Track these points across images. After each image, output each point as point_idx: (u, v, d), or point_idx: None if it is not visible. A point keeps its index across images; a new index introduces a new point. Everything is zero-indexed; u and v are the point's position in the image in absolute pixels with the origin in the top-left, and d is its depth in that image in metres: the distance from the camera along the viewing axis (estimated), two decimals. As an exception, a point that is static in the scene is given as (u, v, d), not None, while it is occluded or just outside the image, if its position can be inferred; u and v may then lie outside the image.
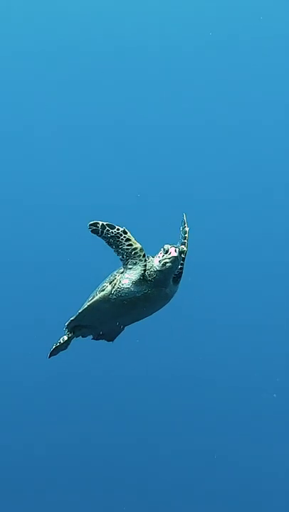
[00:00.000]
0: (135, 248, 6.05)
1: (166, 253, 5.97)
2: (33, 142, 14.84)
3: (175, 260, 5.96)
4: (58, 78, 15.06)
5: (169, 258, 5.94)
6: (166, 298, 6.31)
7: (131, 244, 6.04)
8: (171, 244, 5.98)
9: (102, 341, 7.05)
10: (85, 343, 7.03)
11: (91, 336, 6.99)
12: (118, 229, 6.00)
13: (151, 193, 14.27)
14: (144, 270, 6.06)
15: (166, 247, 6.00)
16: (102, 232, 5.97)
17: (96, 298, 6.26)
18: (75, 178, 14.75)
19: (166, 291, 6.22)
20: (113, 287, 6.16)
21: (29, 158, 14.81)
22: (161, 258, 6.00)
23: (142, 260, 6.06)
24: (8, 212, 14.32)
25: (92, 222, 5.97)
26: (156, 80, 15.20)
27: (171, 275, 6.15)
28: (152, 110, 15.21)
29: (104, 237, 6.01)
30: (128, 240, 6.02)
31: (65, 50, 15.17)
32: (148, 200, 13.96)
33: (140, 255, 6.06)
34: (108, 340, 7.09)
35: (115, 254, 6.16)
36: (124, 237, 6.01)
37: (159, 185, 14.63)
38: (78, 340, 6.95)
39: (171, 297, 6.39)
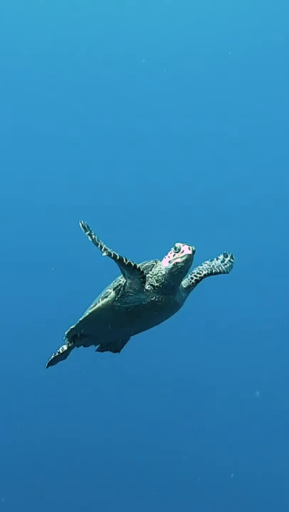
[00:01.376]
0: (132, 270, 5.50)
1: (177, 252, 5.46)
2: (33, 144, 14.86)
3: (188, 260, 5.43)
4: (60, 81, 15.18)
5: (181, 257, 5.42)
6: (175, 306, 5.78)
7: (127, 268, 5.49)
8: (183, 242, 5.47)
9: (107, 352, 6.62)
10: (85, 352, 6.57)
11: (93, 346, 6.50)
12: (101, 247, 5.40)
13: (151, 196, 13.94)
14: (144, 279, 5.54)
15: (177, 245, 5.48)
16: (91, 237, 5.38)
17: (98, 305, 5.73)
18: (74, 181, 14.63)
19: (176, 298, 5.70)
20: (117, 294, 5.65)
21: (29, 160, 14.77)
22: (171, 258, 5.49)
23: (137, 276, 5.52)
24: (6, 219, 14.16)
25: (83, 223, 5.39)
26: (155, 86, 15.28)
27: (182, 278, 5.61)
28: (152, 116, 15.23)
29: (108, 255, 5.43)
30: (128, 265, 5.46)
31: (67, 55, 15.24)
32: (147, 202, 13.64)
33: (136, 272, 5.49)
34: (114, 352, 6.60)
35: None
36: (110, 254, 5.42)
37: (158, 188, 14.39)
38: (79, 349, 6.47)
39: (181, 306, 5.85)
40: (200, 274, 5.96)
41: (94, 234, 5.38)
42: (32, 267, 13.95)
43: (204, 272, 6.01)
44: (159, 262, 5.63)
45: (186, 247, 5.45)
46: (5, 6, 15.10)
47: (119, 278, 5.75)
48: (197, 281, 5.95)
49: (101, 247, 5.37)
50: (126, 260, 5.40)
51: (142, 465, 13.04)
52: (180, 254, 5.44)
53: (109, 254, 5.37)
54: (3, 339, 13.18)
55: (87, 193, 14.17)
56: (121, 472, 12.93)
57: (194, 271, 6.01)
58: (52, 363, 6.40)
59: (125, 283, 5.64)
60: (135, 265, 5.47)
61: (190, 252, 5.43)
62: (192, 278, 5.94)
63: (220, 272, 6.16)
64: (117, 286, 5.68)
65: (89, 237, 5.36)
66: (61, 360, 6.43)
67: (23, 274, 13.85)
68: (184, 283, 5.87)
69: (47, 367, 6.41)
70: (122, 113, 15.17)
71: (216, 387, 13.50)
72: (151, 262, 5.67)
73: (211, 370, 13.47)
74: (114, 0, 15.27)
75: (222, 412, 13.37)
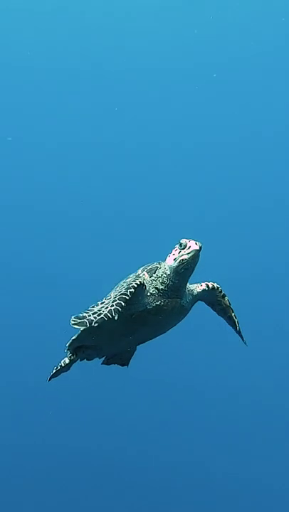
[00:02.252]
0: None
1: (183, 248, 5.15)
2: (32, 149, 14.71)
3: (195, 256, 5.13)
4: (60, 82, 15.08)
5: (187, 253, 5.12)
6: (182, 311, 5.44)
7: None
8: (189, 238, 5.16)
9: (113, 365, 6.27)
10: (90, 365, 6.20)
11: (97, 359, 6.10)
12: (110, 313, 5.08)
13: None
14: (143, 286, 5.24)
15: (183, 241, 5.17)
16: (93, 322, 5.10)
17: (101, 316, 5.31)
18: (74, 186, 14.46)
19: (182, 302, 5.36)
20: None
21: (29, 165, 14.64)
22: (177, 255, 5.18)
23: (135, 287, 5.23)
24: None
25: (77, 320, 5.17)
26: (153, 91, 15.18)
27: (188, 277, 5.29)
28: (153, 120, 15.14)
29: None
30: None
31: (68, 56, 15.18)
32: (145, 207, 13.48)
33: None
34: (121, 365, 6.24)
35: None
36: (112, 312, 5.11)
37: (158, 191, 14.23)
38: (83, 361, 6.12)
39: (188, 310, 5.52)
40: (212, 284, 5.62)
41: (90, 317, 5.09)
42: (31, 276, 13.75)
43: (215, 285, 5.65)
44: (163, 263, 5.32)
45: (193, 242, 5.15)
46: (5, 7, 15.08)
47: (122, 282, 5.43)
48: (208, 287, 5.58)
49: (107, 314, 5.08)
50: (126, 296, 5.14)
51: (151, 476, 12.94)
52: (186, 251, 5.14)
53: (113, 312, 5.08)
54: (5, 350, 12.97)
55: (87, 194, 14.20)
56: (128, 481, 12.84)
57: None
58: (54, 376, 6.07)
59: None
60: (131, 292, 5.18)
61: (197, 248, 5.13)
62: (202, 283, 5.60)
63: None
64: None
65: (88, 323, 5.09)
66: (64, 372, 6.09)
67: (22, 283, 13.69)
68: (192, 287, 5.53)
69: (49, 380, 6.07)
70: (121, 112, 15.21)
71: (225, 400, 13.38)
72: (155, 264, 5.38)
73: (218, 380, 13.36)
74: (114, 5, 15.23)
75: (230, 423, 13.29)
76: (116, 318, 5.00)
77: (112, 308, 5.02)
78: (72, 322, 5.06)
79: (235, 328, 5.72)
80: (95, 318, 5.03)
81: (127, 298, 5.06)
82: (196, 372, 13.15)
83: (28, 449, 12.63)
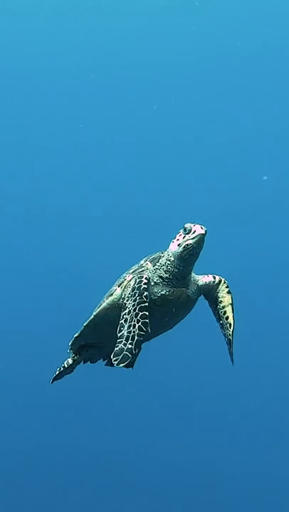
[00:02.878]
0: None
1: (188, 233, 4.97)
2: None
3: (201, 240, 4.94)
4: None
5: (192, 238, 4.94)
6: (189, 302, 5.24)
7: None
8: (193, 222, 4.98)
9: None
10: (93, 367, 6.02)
11: (100, 361, 5.93)
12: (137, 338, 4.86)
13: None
14: (147, 279, 5.03)
15: (187, 225, 4.99)
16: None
17: (104, 305, 5.20)
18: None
19: (188, 292, 5.17)
20: (123, 290, 5.12)
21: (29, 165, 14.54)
22: (181, 241, 5.00)
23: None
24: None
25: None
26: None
27: (193, 263, 5.11)
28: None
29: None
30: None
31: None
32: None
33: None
34: (126, 366, 6.00)
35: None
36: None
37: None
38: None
39: (195, 301, 5.32)
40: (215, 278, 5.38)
41: (127, 346, 4.88)
42: (33, 276, 13.62)
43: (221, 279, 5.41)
44: (166, 252, 5.14)
45: (198, 226, 4.97)
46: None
47: (125, 274, 5.25)
48: (214, 279, 5.36)
49: (140, 333, 4.89)
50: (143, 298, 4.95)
51: (155, 479, 12.82)
52: (191, 235, 4.96)
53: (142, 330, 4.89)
54: (7, 352, 12.77)
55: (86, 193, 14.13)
56: (131, 484, 12.70)
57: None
58: (57, 378, 5.90)
59: (132, 278, 5.11)
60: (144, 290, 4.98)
61: (203, 232, 4.95)
62: (209, 275, 5.38)
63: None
64: (123, 283, 5.16)
65: (130, 354, 4.89)
66: (67, 374, 5.91)
67: (23, 283, 13.53)
68: (197, 278, 5.33)
69: (52, 382, 5.91)
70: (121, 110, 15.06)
71: (231, 404, 13.30)
72: (157, 253, 5.20)
73: (224, 383, 12.99)
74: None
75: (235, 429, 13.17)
76: (149, 331, 4.86)
77: (140, 323, 4.84)
78: (117, 363, 4.84)
79: (228, 335, 5.40)
80: (132, 345, 4.82)
81: (145, 302, 4.90)
82: (201, 375, 13.04)
83: (31, 453, 12.54)
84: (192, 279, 5.23)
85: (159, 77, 15.00)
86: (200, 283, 5.29)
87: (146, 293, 4.93)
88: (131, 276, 5.13)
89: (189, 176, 14.42)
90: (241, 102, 14.96)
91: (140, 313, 4.85)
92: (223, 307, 5.36)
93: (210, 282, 5.32)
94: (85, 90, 14.96)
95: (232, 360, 5.41)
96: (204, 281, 5.31)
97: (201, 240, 4.95)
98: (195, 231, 4.94)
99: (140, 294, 4.89)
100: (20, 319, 13.01)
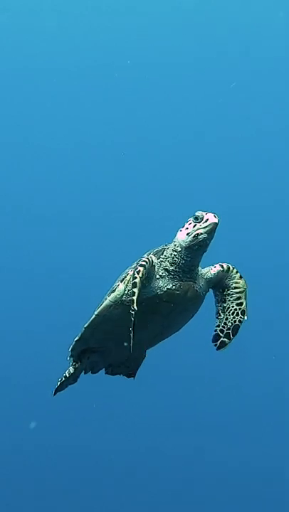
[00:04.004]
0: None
1: (199, 221, 4.60)
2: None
3: (213, 230, 4.58)
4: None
5: (204, 227, 4.57)
6: (197, 298, 4.86)
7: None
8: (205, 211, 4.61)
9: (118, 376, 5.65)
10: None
11: (103, 370, 5.56)
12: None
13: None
14: (152, 266, 4.69)
15: (199, 213, 4.62)
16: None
17: (106, 302, 4.82)
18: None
19: (196, 287, 4.80)
20: (126, 285, 4.74)
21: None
22: (191, 230, 4.63)
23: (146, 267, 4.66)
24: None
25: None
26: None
27: (201, 255, 4.75)
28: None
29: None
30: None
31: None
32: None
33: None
34: (128, 376, 5.63)
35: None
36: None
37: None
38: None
39: (203, 298, 4.95)
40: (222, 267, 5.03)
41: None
42: (26, 274, 13.31)
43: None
44: (170, 245, 4.79)
45: (211, 214, 4.59)
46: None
47: (127, 270, 4.88)
48: (223, 267, 5.00)
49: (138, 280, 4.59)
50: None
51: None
52: (203, 224, 4.58)
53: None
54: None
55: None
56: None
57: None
58: (59, 389, 5.50)
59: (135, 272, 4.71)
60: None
61: (216, 221, 4.57)
62: (216, 265, 5.01)
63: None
64: (126, 277, 4.78)
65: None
66: (70, 384, 5.52)
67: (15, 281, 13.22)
68: (204, 271, 4.97)
69: (54, 394, 5.51)
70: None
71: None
72: (162, 246, 4.84)
73: (235, 394, 12.94)
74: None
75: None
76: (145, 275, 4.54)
77: (139, 268, 4.58)
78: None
79: (235, 321, 5.05)
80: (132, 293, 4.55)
81: (147, 264, 4.60)
82: (205, 384, 12.75)
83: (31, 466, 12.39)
84: (199, 273, 4.88)
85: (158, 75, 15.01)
86: (208, 276, 4.94)
87: (150, 261, 4.64)
88: (133, 271, 4.74)
89: (190, 174, 14.31)
90: (241, 101, 14.98)
91: (139, 265, 4.60)
92: (238, 292, 5.01)
93: (219, 272, 4.96)
94: (85, 89, 15.00)
95: (220, 348, 5.06)
96: (213, 272, 4.95)
97: (213, 229, 4.58)
98: (207, 219, 4.57)
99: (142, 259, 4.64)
100: (14, 322, 12.67)
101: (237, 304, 5.01)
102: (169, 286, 4.70)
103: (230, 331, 5.00)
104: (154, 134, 14.64)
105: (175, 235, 4.77)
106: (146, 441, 12.50)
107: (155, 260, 4.75)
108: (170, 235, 4.87)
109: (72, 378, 5.46)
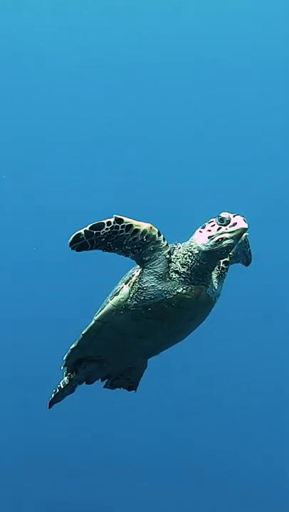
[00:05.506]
0: (144, 231, 4.05)
1: (225, 224, 4.01)
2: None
3: (240, 236, 4.04)
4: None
5: (230, 232, 4.00)
6: (208, 303, 4.34)
7: (136, 230, 4.05)
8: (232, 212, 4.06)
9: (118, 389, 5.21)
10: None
11: (100, 383, 5.09)
12: (109, 222, 4.00)
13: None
14: (169, 253, 4.14)
15: (225, 215, 4.04)
16: (92, 241, 4.00)
17: (108, 306, 4.27)
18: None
19: (208, 291, 4.27)
20: (131, 288, 4.20)
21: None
22: (214, 233, 4.04)
23: (159, 241, 4.10)
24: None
25: (72, 238, 3.98)
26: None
27: (220, 259, 4.25)
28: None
29: (98, 246, 4.05)
30: (129, 227, 4.04)
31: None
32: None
33: (154, 235, 4.07)
34: (128, 389, 5.18)
35: (125, 256, 4.22)
36: (123, 226, 4.03)
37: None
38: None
39: (214, 303, 4.44)
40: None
41: (96, 234, 4.04)
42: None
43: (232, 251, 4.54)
44: (180, 244, 4.24)
45: (240, 218, 4.02)
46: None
47: (131, 270, 4.35)
48: (227, 263, 4.51)
49: (119, 220, 4.04)
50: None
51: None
52: (230, 228, 4.01)
53: (130, 226, 4.04)
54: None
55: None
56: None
57: None
58: (55, 400, 5.03)
59: (142, 271, 4.20)
60: (158, 232, 4.11)
61: (245, 226, 4.00)
62: (220, 263, 4.49)
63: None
64: (131, 279, 4.24)
65: (98, 238, 4.04)
66: (67, 394, 5.04)
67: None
68: (214, 273, 4.45)
69: (49, 407, 5.06)
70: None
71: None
72: (172, 245, 4.26)
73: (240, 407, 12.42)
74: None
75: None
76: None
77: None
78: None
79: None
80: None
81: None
82: (208, 397, 12.19)
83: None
84: (212, 277, 4.36)
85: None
86: (214, 275, 4.42)
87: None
88: (140, 271, 4.24)
89: (189, 173, 13.76)
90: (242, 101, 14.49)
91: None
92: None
93: (222, 271, 4.49)
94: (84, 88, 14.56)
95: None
96: (217, 272, 4.44)
97: (241, 235, 4.04)
98: (236, 223, 4.00)
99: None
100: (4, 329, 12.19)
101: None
102: (179, 290, 4.16)
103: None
104: (153, 133, 14.18)
105: (192, 235, 4.20)
106: (147, 442, 12.06)
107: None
108: (172, 233, 4.37)
109: (69, 389, 4.98)
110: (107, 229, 3.99)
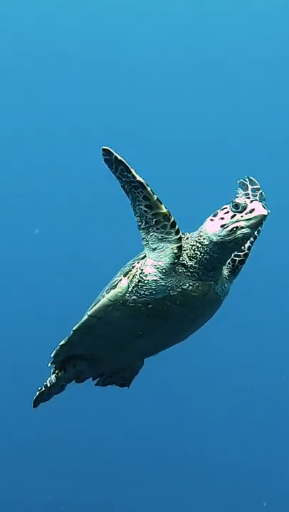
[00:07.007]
0: (157, 213, 3.64)
1: (240, 211, 3.59)
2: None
3: (259, 224, 3.63)
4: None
5: (247, 219, 3.57)
6: (216, 301, 3.94)
7: (150, 207, 3.64)
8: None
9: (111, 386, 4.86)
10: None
11: (90, 379, 4.65)
12: (134, 177, 3.59)
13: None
14: (179, 249, 3.70)
15: (240, 200, 3.60)
16: (116, 168, 3.62)
17: (104, 300, 3.85)
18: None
19: (217, 288, 3.85)
20: (131, 281, 3.77)
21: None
22: (227, 221, 3.61)
23: (170, 233, 3.67)
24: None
25: (105, 148, 3.61)
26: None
27: (232, 254, 3.84)
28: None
29: (118, 177, 3.66)
30: (146, 198, 3.62)
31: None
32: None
33: (164, 224, 3.66)
34: (121, 386, 4.79)
35: (135, 219, 3.82)
36: (141, 192, 3.61)
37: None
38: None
39: (222, 301, 4.02)
40: (242, 250, 4.09)
41: (121, 169, 3.67)
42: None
43: (248, 245, 4.12)
44: (188, 235, 3.83)
45: (259, 203, 3.59)
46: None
47: (131, 261, 3.93)
48: (242, 261, 4.10)
49: (142, 185, 3.63)
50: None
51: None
52: (246, 215, 3.58)
53: (147, 199, 3.63)
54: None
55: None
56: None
57: None
58: (40, 399, 4.59)
59: (142, 264, 3.78)
60: (174, 222, 3.68)
61: (265, 213, 3.57)
62: (233, 260, 4.07)
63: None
64: (130, 271, 3.83)
65: (121, 174, 3.65)
66: (56, 394, 4.62)
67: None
68: (226, 270, 4.05)
69: (34, 406, 4.60)
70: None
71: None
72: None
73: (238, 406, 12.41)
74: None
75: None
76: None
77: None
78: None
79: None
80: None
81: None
82: (205, 394, 12.11)
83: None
84: (223, 273, 3.95)
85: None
86: (225, 272, 4.02)
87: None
88: (141, 262, 3.81)
89: (189, 173, 13.88)
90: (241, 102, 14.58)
91: None
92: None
93: (235, 268, 4.09)
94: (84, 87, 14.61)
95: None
96: (228, 269, 4.05)
97: (259, 223, 3.62)
98: (253, 209, 3.57)
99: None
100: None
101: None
102: (184, 286, 3.73)
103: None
104: (153, 133, 14.28)
105: (202, 224, 3.78)
106: (146, 443, 12.05)
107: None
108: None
109: (56, 388, 4.57)
110: (129, 178, 3.63)
